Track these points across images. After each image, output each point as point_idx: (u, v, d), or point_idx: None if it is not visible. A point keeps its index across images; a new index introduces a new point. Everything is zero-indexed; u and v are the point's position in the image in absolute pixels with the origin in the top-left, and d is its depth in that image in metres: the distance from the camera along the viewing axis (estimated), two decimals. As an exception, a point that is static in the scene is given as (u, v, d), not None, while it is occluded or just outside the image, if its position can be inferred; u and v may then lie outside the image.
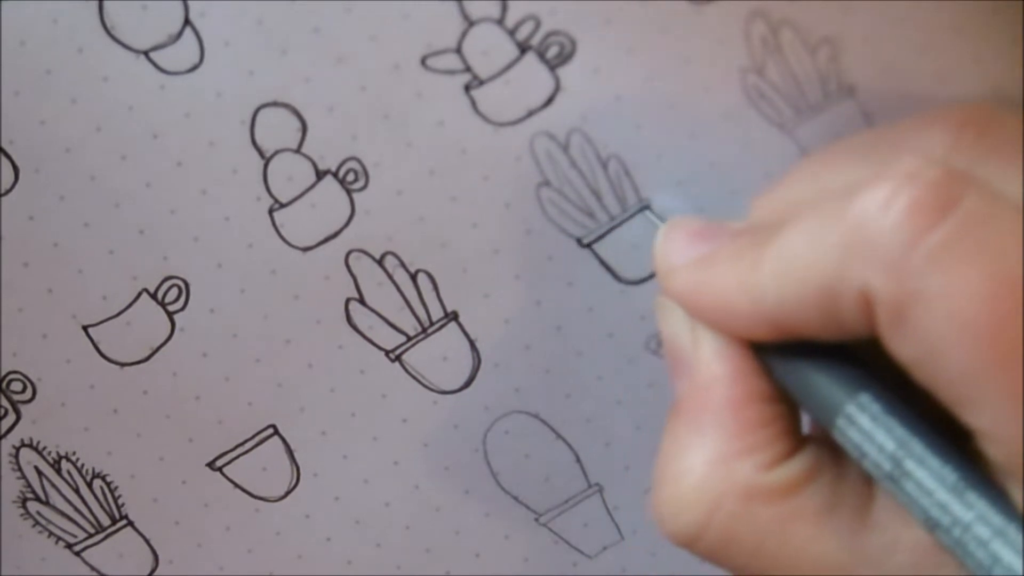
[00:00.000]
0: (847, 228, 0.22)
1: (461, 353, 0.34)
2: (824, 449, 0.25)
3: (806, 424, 0.27)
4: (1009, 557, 0.21)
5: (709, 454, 0.25)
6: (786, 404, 0.26)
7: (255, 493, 0.35)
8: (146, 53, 0.31)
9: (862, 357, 0.24)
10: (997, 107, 0.26)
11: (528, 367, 0.34)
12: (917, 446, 0.23)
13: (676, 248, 0.27)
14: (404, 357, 0.34)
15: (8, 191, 0.32)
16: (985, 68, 0.31)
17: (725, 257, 0.26)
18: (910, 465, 0.23)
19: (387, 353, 0.34)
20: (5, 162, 0.32)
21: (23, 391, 0.34)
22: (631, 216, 0.32)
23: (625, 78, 0.31)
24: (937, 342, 0.21)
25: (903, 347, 0.22)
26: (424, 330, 0.34)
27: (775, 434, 0.25)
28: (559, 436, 0.35)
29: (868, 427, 0.23)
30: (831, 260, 0.23)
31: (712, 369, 0.26)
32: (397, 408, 0.34)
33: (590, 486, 0.35)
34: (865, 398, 0.24)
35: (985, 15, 0.30)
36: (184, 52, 0.31)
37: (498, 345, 0.34)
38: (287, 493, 0.35)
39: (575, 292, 0.33)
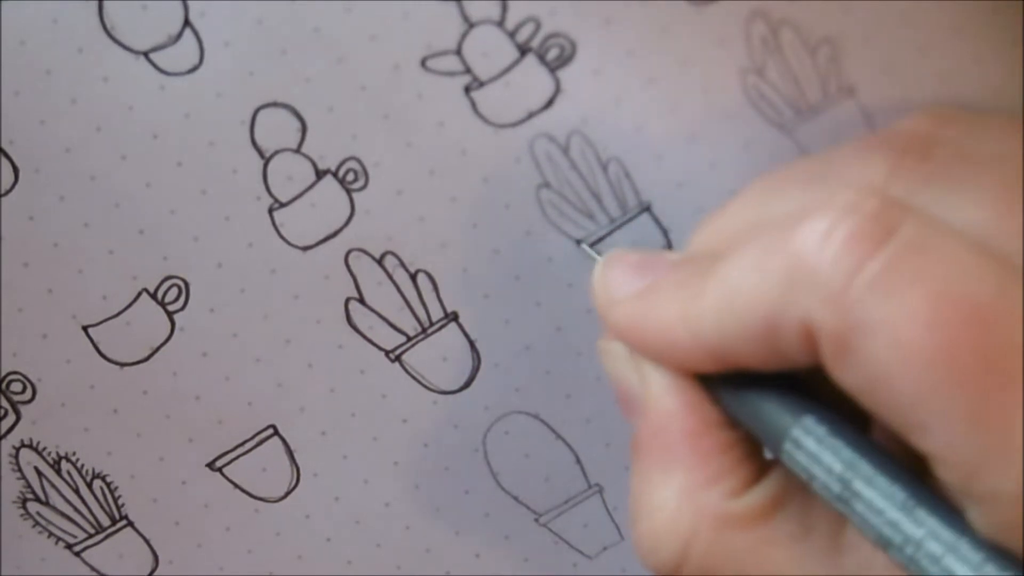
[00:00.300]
0: (787, 261, 0.22)
1: (461, 353, 0.34)
2: (791, 475, 0.25)
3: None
4: (962, 571, 0.21)
5: (677, 487, 0.25)
6: (742, 429, 0.26)
7: (255, 493, 0.35)
8: (146, 53, 0.31)
9: (807, 381, 0.24)
10: (940, 123, 0.26)
11: (528, 367, 0.34)
12: (864, 466, 0.23)
13: (616, 281, 0.27)
14: (404, 357, 0.34)
15: (8, 191, 0.32)
16: (985, 68, 0.31)
17: (665, 288, 0.26)
18: (858, 486, 0.23)
19: (387, 353, 0.34)
20: (5, 162, 0.32)
21: (23, 391, 0.34)
22: (631, 218, 0.32)
23: (625, 80, 0.31)
24: (882, 371, 0.21)
25: (848, 377, 0.22)
26: (424, 330, 0.34)
27: (737, 459, 0.25)
28: (559, 436, 0.35)
29: (814, 450, 0.24)
30: (772, 292, 0.23)
31: (663, 404, 0.26)
32: (397, 408, 0.34)
33: (590, 486, 0.35)
34: (809, 421, 0.24)
35: (985, 15, 0.30)
36: (184, 52, 0.31)
37: (498, 345, 0.34)
38: (287, 493, 0.35)
39: (575, 293, 0.33)
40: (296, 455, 0.35)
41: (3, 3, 0.30)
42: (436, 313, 0.33)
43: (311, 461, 0.35)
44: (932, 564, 0.22)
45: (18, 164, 0.32)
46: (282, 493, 0.35)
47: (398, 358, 0.34)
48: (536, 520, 0.36)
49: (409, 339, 0.34)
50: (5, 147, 0.32)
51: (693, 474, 0.25)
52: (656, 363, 0.26)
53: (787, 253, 0.23)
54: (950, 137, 0.26)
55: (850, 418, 0.24)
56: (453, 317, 0.33)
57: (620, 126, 0.32)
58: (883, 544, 0.23)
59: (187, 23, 0.31)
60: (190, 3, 0.31)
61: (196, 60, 0.31)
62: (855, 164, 0.26)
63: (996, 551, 0.21)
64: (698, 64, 0.31)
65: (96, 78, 0.31)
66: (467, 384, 0.34)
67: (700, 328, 0.24)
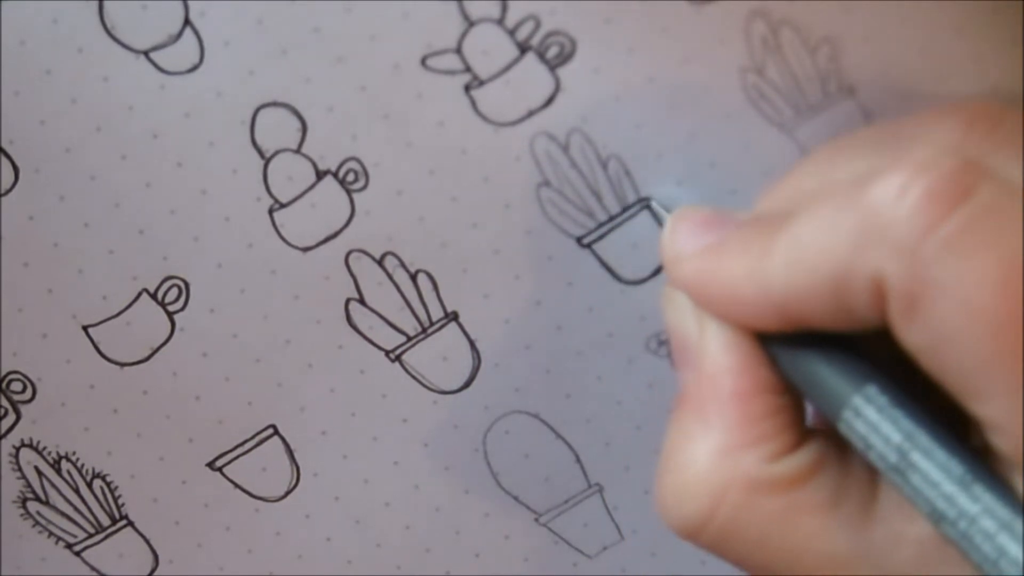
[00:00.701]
0: (861, 216, 0.22)
1: (461, 353, 0.34)
2: (829, 443, 0.25)
3: (810, 418, 0.27)
4: (1015, 550, 0.21)
5: (714, 444, 0.25)
6: (792, 396, 0.26)
7: (255, 493, 0.35)
8: (146, 53, 0.31)
9: (868, 350, 0.24)
10: (1005, 105, 0.26)
11: (528, 367, 0.34)
12: (923, 438, 0.23)
13: (684, 237, 0.27)
14: (404, 357, 0.34)
15: (8, 191, 0.32)
16: (985, 68, 0.31)
17: (734, 245, 0.25)
18: (916, 457, 0.23)
19: (387, 353, 0.34)
20: (5, 162, 0.32)
21: (23, 391, 0.34)
22: (631, 216, 0.32)
23: (625, 78, 0.31)
24: (949, 331, 0.21)
25: (914, 336, 0.22)
26: (424, 330, 0.34)
27: (781, 426, 0.25)
28: (559, 436, 0.35)
29: (874, 419, 0.23)
30: (844, 247, 0.23)
31: (718, 360, 0.26)
32: (397, 408, 0.34)
33: (590, 486, 0.35)
34: (872, 390, 0.24)
35: (985, 15, 0.30)
36: (184, 52, 0.31)
37: (498, 345, 0.34)
38: (287, 493, 0.35)
39: (575, 292, 0.33)
40: (296, 455, 0.35)
41: (3, 3, 0.30)
42: (436, 313, 0.33)
43: (311, 461, 0.35)
44: (985, 541, 0.22)
45: (18, 164, 0.32)
46: (282, 493, 0.35)
47: (398, 358, 0.34)
48: (536, 520, 0.36)
49: (409, 339, 0.34)
50: (5, 147, 0.32)
51: (734, 433, 0.25)
52: (720, 319, 0.26)
53: (861, 208, 0.22)
54: (1016, 114, 0.26)
55: (910, 390, 0.24)
56: (453, 317, 0.33)
57: (620, 124, 0.32)
58: (936, 518, 0.22)
59: (187, 23, 0.31)
60: (190, 3, 0.31)
61: (196, 60, 0.31)
62: (926, 129, 0.26)
63: None
64: (698, 63, 0.31)
65: (96, 78, 0.31)
66: (467, 384, 0.34)
67: (769, 283, 0.24)
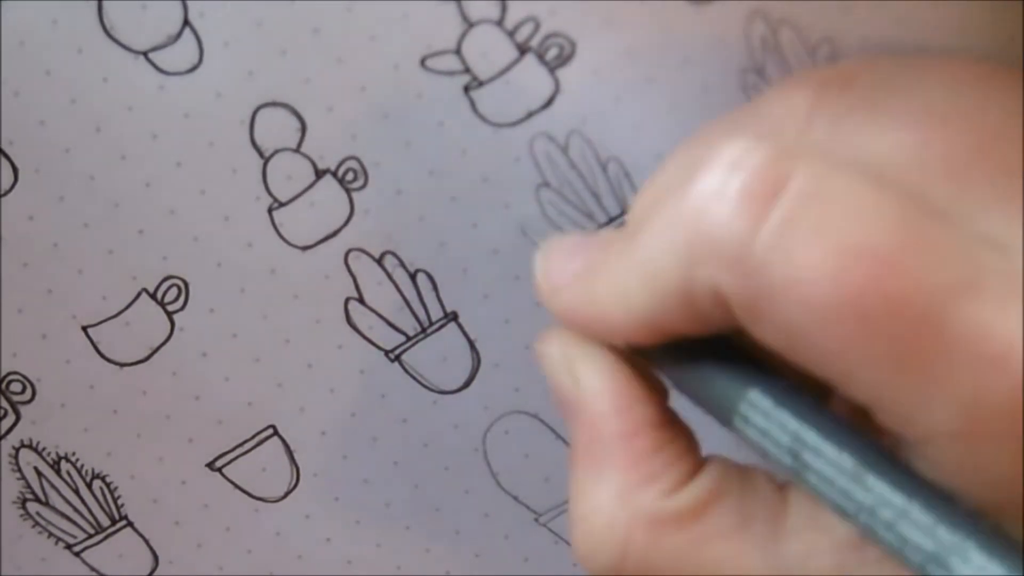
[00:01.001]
0: (686, 228, 0.22)
1: (461, 353, 0.34)
2: (730, 465, 0.25)
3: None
4: (916, 536, 0.21)
5: (611, 490, 0.25)
6: (679, 427, 0.25)
7: (255, 493, 0.35)
8: (145, 53, 0.31)
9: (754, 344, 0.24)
10: (872, 57, 0.26)
11: (528, 367, 0.34)
12: (811, 436, 0.22)
13: (554, 268, 0.27)
14: (404, 357, 0.34)
15: (8, 191, 0.32)
16: (985, 68, 0.31)
17: (598, 267, 0.25)
18: (808, 457, 0.22)
19: (387, 353, 0.34)
20: (5, 162, 0.32)
21: (23, 391, 0.34)
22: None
23: (625, 79, 0.31)
24: (796, 330, 0.21)
25: (766, 336, 0.22)
26: (424, 330, 0.34)
27: (671, 458, 0.25)
28: (559, 436, 0.35)
29: (763, 424, 0.23)
30: (679, 263, 0.22)
31: (596, 406, 0.25)
32: (397, 408, 0.34)
33: (590, 486, 0.35)
34: (754, 394, 0.23)
35: (985, 15, 0.30)
36: (183, 52, 0.31)
37: (498, 345, 0.34)
38: (287, 493, 0.35)
39: (575, 292, 0.33)
40: (296, 455, 0.35)
41: (3, 3, 0.30)
42: (436, 313, 0.33)
43: (311, 461, 0.35)
44: (886, 530, 0.21)
45: (18, 164, 0.32)
46: (282, 493, 0.35)
47: (398, 358, 0.34)
48: (536, 520, 0.36)
49: (409, 339, 0.34)
50: (5, 147, 0.32)
51: (627, 475, 0.25)
52: (602, 343, 0.26)
53: (684, 221, 0.22)
54: (872, 71, 0.25)
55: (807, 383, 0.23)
56: (453, 317, 0.33)
57: (619, 125, 0.32)
58: (841, 515, 0.22)
59: (187, 23, 0.31)
60: (190, 3, 0.31)
61: (196, 60, 0.31)
62: (776, 103, 0.25)
63: (948, 511, 0.21)
64: (698, 64, 0.31)
65: (96, 78, 0.31)
66: (467, 384, 0.34)
67: (629, 302, 0.24)
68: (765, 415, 0.23)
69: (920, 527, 0.21)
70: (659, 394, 0.26)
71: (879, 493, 0.21)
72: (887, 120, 0.24)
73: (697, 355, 0.24)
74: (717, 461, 0.25)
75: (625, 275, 0.24)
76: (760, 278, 0.21)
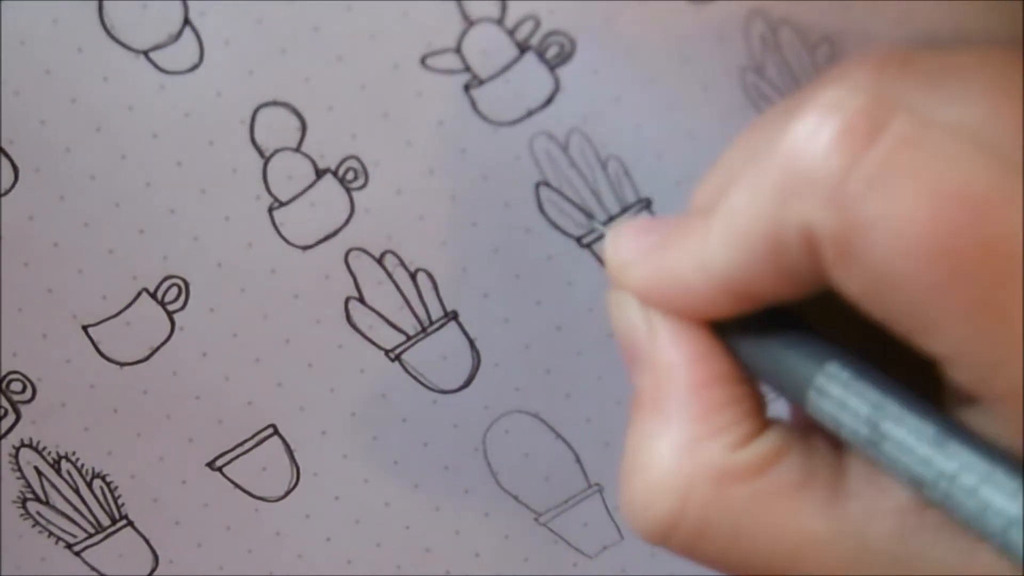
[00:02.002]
0: (779, 166, 0.22)
1: (461, 353, 0.34)
2: (791, 430, 0.25)
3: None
4: (1000, 501, 0.21)
5: (676, 440, 0.25)
6: (749, 385, 0.25)
7: (255, 493, 0.35)
8: (146, 53, 0.31)
9: (824, 334, 0.24)
10: (917, 46, 0.26)
11: (528, 367, 0.34)
12: (892, 406, 0.22)
13: (626, 245, 0.26)
14: (404, 356, 0.34)
15: (8, 191, 0.32)
16: (985, 67, 0.31)
17: (675, 239, 0.25)
18: (887, 426, 0.22)
19: (387, 352, 0.34)
20: (5, 162, 0.32)
21: (23, 391, 0.34)
22: (631, 217, 0.32)
23: (625, 78, 0.31)
24: (886, 269, 0.21)
25: (852, 282, 0.22)
26: (424, 329, 0.34)
27: (741, 414, 0.25)
28: (559, 436, 0.35)
29: (840, 395, 0.23)
30: (769, 203, 0.22)
31: (672, 354, 0.25)
32: (397, 408, 0.34)
33: (590, 486, 0.35)
34: (833, 367, 0.23)
35: (985, 15, 0.30)
36: (184, 52, 0.31)
37: (498, 345, 0.34)
38: (287, 493, 0.35)
39: (575, 292, 0.33)
40: (296, 455, 0.35)
41: (3, 3, 0.30)
42: (436, 312, 0.33)
43: (311, 461, 0.35)
44: (967, 497, 0.21)
45: (18, 164, 0.32)
46: (282, 493, 0.35)
47: (398, 357, 0.34)
48: (536, 520, 0.36)
49: (409, 338, 0.34)
50: (5, 147, 0.32)
51: (696, 425, 0.24)
52: (675, 316, 0.25)
53: (778, 160, 0.22)
54: (926, 54, 0.25)
55: (872, 363, 0.23)
56: (453, 316, 0.33)
57: (619, 124, 0.32)
58: (916, 484, 0.22)
59: (187, 22, 0.31)
60: (190, 2, 0.31)
61: (196, 59, 0.31)
62: (835, 84, 0.25)
63: None
64: (697, 62, 0.31)
65: (96, 78, 0.31)
66: (467, 383, 0.34)
67: (711, 266, 0.24)
68: (844, 386, 0.23)
69: (1005, 491, 0.21)
70: (733, 354, 0.26)
71: (962, 459, 0.22)
72: (952, 94, 0.24)
73: (771, 330, 0.24)
74: (780, 424, 0.25)
75: (706, 240, 0.24)
76: (855, 213, 0.21)
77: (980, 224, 0.20)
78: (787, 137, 0.22)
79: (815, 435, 0.25)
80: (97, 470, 0.35)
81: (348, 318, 0.33)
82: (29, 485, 0.35)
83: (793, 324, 0.24)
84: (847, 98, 0.22)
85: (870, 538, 0.23)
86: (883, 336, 0.23)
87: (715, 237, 0.24)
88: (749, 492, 0.24)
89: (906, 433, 0.22)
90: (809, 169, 0.21)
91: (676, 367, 0.25)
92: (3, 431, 0.34)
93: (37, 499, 0.35)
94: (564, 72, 0.31)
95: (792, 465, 0.24)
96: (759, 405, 0.25)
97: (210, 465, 0.35)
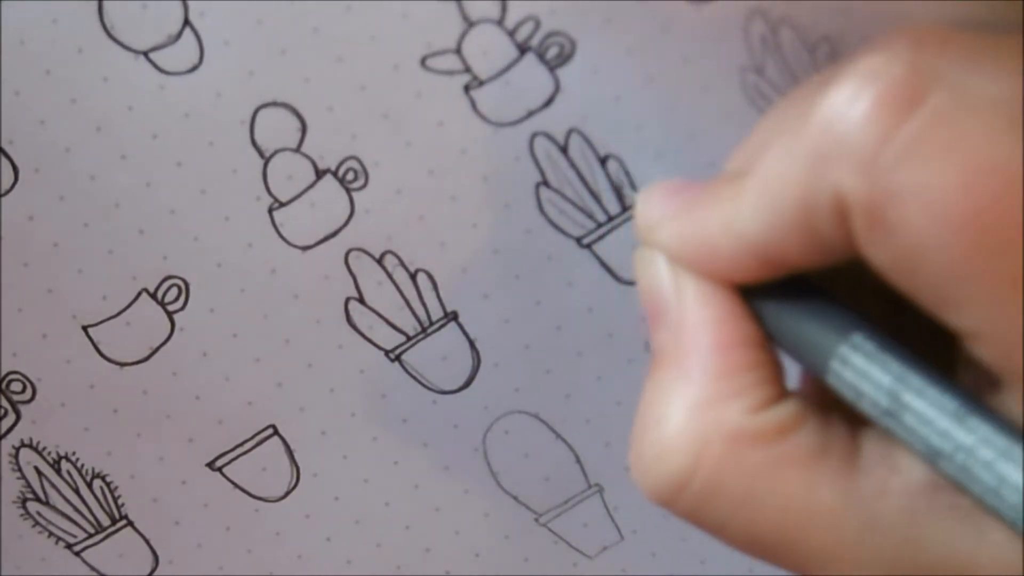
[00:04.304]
0: (814, 132, 0.22)
1: (461, 353, 0.34)
2: (808, 401, 0.25)
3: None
4: (1016, 475, 0.21)
5: (694, 397, 0.24)
6: (771, 352, 0.25)
7: (255, 493, 0.35)
8: (146, 53, 0.31)
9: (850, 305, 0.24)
10: (952, 27, 0.26)
11: (528, 367, 0.34)
12: (915, 379, 0.23)
13: (656, 204, 0.26)
14: (404, 357, 0.34)
15: (8, 191, 0.32)
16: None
17: (706, 200, 0.25)
18: (908, 398, 0.22)
19: (387, 353, 0.34)
20: (5, 162, 0.32)
21: (23, 391, 0.34)
22: (631, 216, 0.32)
23: (624, 78, 0.31)
24: (916, 240, 0.21)
25: (881, 252, 0.22)
26: (424, 330, 0.34)
27: (762, 378, 0.24)
28: (559, 436, 0.35)
29: (863, 366, 0.23)
30: (802, 170, 0.22)
31: (697, 313, 0.25)
32: (397, 408, 0.34)
33: (590, 486, 0.35)
34: (858, 338, 0.23)
35: (985, 15, 0.30)
36: (184, 52, 0.31)
37: (498, 345, 0.34)
38: (287, 493, 0.35)
39: (575, 292, 0.33)
40: (296, 455, 0.35)
41: (3, 3, 0.30)
42: (436, 313, 0.33)
43: (311, 461, 0.35)
44: (984, 470, 0.21)
45: (18, 164, 0.32)
46: (282, 493, 0.35)
47: (398, 358, 0.34)
48: (536, 520, 0.36)
49: (409, 339, 0.34)
50: (5, 147, 0.32)
51: (716, 385, 0.24)
52: (703, 277, 0.25)
53: (813, 126, 0.22)
54: (963, 33, 0.25)
55: (895, 337, 0.23)
56: (453, 317, 0.33)
57: (619, 124, 0.32)
58: (933, 455, 0.22)
59: (187, 23, 0.31)
60: (190, 3, 0.31)
61: (196, 60, 0.31)
62: (875, 53, 0.25)
63: None
64: (697, 63, 0.31)
65: (96, 78, 0.31)
66: (467, 384, 0.34)
67: (742, 229, 0.24)
68: (867, 357, 0.23)
69: (1022, 466, 0.21)
70: (757, 319, 0.26)
71: (982, 433, 0.22)
72: (991, 71, 0.23)
73: (797, 298, 0.24)
74: (797, 394, 0.25)
75: (737, 203, 0.24)
76: (888, 182, 0.21)
77: (1013, 199, 0.20)
78: (824, 103, 0.22)
79: (831, 410, 0.25)
80: (97, 470, 0.35)
81: (348, 318, 0.33)
82: (29, 485, 0.35)
83: (818, 293, 0.24)
84: (886, 67, 0.22)
85: (880, 516, 0.23)
86: (901, 315, 0.23)
87: (746, 200, 0.23)
88: (764, 456, 0.24)
89: (927, 405, 0.22)
90: (844, 136, 0.21)
91: (701, 325, 0.25)
92: (3, 431, 0.34)
93: (37, 499, 0.35)
94: (564, 72, 0.31)
95: (808, 435, 0.24)
96: (779, 373, 0.25)
97: (210, 465, 0.35)
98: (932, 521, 0.23)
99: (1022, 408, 0.22)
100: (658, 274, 0.26)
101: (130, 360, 0.34)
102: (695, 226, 0.25)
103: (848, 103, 0.21)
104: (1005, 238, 0.20)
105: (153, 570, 0.36)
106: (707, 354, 0.25)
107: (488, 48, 0.31)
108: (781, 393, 0.25)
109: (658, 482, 0.25)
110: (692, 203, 0.25)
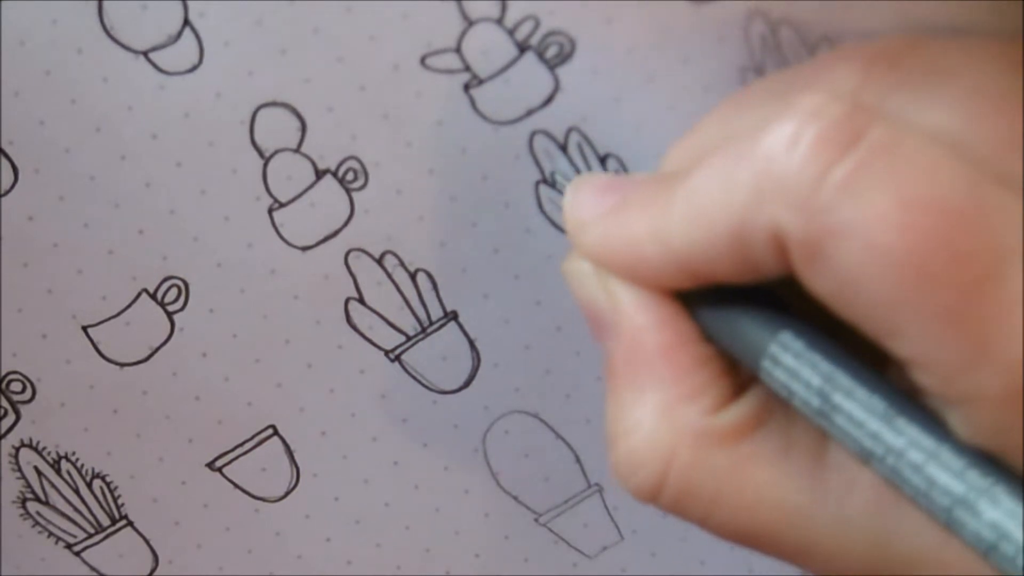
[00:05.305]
0: (754, 168, 0.22)
1: (461, 353, 0.34)
2: (771, 392, 0.25)
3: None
4: (944, 479, 0.21)
5: (654, 404, 0.25)
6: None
7: (255, 493, 0.35)
8: (145, 53, 0.31)
9: (782, 297, 0.24)
10: (914, 37, 0.26)
11: (528, 367, 0.34)
12: (843, 378, 0.23)
13: (585, 203, 0.26)
14: (404, 357, 0.34)
15: (8, 191, 0.32)
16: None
17: (635, 204, 0.25)
18: (838, 399, 0.22)
19: (387, 353, 0.34)
20: (5, 162, 0.32)
21: (23, 391, 0.34)
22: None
23: (625, 78, 0.31)
24: (854, 275, 0.21)
25: (820, 283, 0.22)
26: (424, 330, 0.34)
27: (714, 374, 0.25)
28: (559, 436, 0.35)
29: (792, 365, 0.23)
30: (740, 201, 0.22)
31: (635, 320, 0.25)
32: (397, 408, 0.34)
33: (590, 486, 0.35)
34: (786, 336, 0.23)
35: (985, 15, 0.30)
36: (183, 52, 0.31)
37: (498, 345, 0.34)
38: (287, 493, 0.35)
39: (575, 292, 0.33)
40: (296, 455, 0.35)
41: (3, 3, 0.31)
42: (436, 312, 0.33)
43: (311, 461, 0.35)
44: (914, 473, 0.22)
45: (18, 164, 0.32)
46: (282, 493, 0.35)
47: (398, 358, 0.34)
48: (536, 520, 0.36)
49: (409, 339, 0.34)
50: (5, 147, 0.32)
51: (670, 390, 0.25)
52: (629, 282, 0.25)
53: (753, 160, 0.22)
54: (919, 51, 0.25)
55: (827, 333, 0.23)
56: (453, 316, 0.33)
57: (619, 124, 0.32)
58: (865, 457, 0.22)
59: (187, 23, 0.31)
60: (190, 3, 0.31)
61: (196, 60, 0.31)
62: (823, 73, 0.25)
63: (978, 456, 0.21)
64: (697, 62, 0.31)
65: (96, 78, 0.31)
66: (467, 384, 0.34)
67: (670, 242, 0.24)
68: (796, 356, 0.23)
69: (950, 470, 0.21)
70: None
71: (910, 436, 0.22)
72: (937, 96, 0.24)
73: (725, 297, 0.24)
74: (759, 386, 0.25)
75: (667, 214, 0.24)
76: (826, 219, 0.21)
77: (949, 233, 0.21)
78: (764, 139, 0.22)
79: None
80: (97, 470, 0.35)
81: (348, 318, 0.33)
82: (29, 485, 0.35)
83: (751, 291, 0.24)
84: (827, 105, 0.22)
85: (847, 511, 0.23)
86: None
87: (678, 213, 0.24)
88: (728, 458, 0.24)
89: (857, 406, 0.22)
90: (783, 175, 0.22)
91: (641, 331, 0.25)
92: (3, 431, 0.34)
93: (37, 499, 0.35)
94: (564, 72, 0.31)
95: (772, 433, 0.24)
96: (732, 365, 0.25)
97: (210, 465, 0.35)
98: (900, 516, 0.23)
99: (964, 432, 0.22)
100: (589, 285, 0.26)
101: (130, 360, 0.34)
102: (623, 230, 0.25)
103: (788, 142, 0.22)
104: (940, 271, 0.21)
105: (153, 570, 0.36)
106: (654, 359, 0.25)
107: (488, 47, 0.31)
108: (737, 387, 0.25)
109: (635, 490, 0.25)
110: (622, 204, 0.25)
